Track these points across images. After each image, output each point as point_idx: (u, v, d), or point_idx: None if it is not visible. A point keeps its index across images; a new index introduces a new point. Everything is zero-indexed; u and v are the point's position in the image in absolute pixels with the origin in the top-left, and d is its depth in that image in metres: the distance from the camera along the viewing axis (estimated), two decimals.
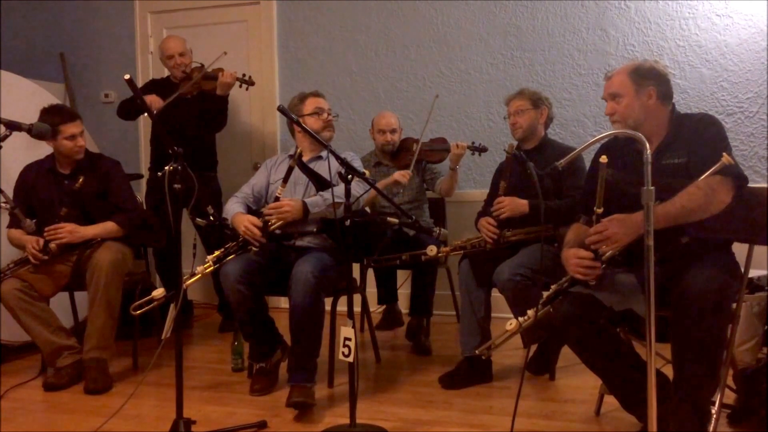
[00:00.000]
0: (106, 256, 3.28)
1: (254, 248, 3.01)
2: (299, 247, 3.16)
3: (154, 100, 4.17)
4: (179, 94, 4.14)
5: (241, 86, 4.19)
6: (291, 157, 3.19)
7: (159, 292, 2.77)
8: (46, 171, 3.49)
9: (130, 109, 4.32)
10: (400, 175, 3.80)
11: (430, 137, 4.23)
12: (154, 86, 4.42)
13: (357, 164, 3.19)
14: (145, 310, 2.79)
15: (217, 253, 3.02)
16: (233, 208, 3.20)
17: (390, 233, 3.82)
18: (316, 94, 3.36)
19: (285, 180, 3.05)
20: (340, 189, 2.94)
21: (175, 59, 4.28)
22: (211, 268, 2.98)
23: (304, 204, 3.06)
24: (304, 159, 3.22)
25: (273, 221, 3.03)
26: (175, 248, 2.55)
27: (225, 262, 2.99)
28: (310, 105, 3.31)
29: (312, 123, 3.22)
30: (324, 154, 3.17)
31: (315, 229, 3.07)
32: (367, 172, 2.74)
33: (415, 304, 3.85)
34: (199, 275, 2.95)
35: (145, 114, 4.38)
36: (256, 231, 2.99)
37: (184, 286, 2.52)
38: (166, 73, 4.52)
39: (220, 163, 4.53)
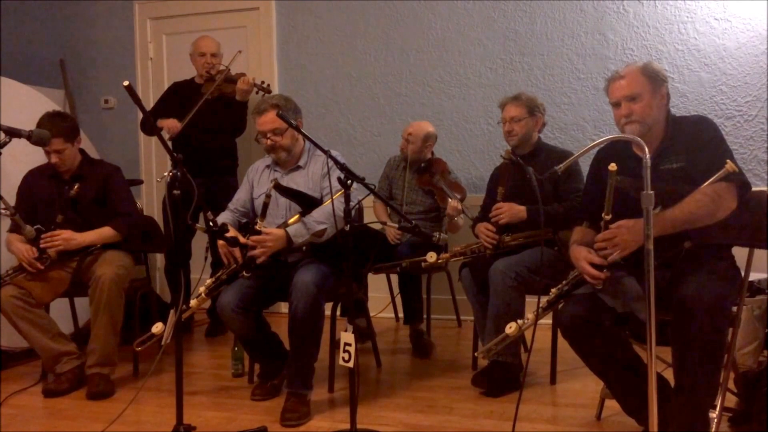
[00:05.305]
0: (108, 272, 3.25)
1: (246, 274, 2.94)
2: (293, 262, 3.09)
3: (171, 126, 4.17)
4: (203, 100, 4.17)
5: (257, 93, 4.21)
6: (268, 167, 3.18)
7: (158, 327, 2.75)
8: (48, 177, 3.48)
9: (151, 127, 4.28)
10: (453, 209, 3.68)
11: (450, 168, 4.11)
12: (178, 89, 4.42)
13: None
14: (147, 345, 2.77)
15: (208, 282, 2.97)
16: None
17: (381, 241, 3.77)
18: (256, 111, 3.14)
19: (263, 214, 2.94)
20: (324, 209, 2.91)
21: (206, 58, 4.30)
22: (206, 301, 2.98)
23: (287, 233, 2.93)
24: (284, 169, 3.16)
25: (257, 253, 2.92)
26: (178, 253, 2.53)
27: (219, 292, 2.96)
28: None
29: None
30: (302, 162, 3.14)
31: (304, 248, 2.99)
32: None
33: (406, 312, 3.87)
34: (193, 310, 2.96)
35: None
36: (238, 256, 2.92)
37: (183, 314, 2.51)
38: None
39: None
